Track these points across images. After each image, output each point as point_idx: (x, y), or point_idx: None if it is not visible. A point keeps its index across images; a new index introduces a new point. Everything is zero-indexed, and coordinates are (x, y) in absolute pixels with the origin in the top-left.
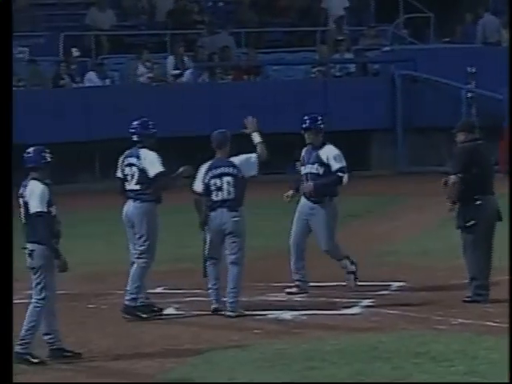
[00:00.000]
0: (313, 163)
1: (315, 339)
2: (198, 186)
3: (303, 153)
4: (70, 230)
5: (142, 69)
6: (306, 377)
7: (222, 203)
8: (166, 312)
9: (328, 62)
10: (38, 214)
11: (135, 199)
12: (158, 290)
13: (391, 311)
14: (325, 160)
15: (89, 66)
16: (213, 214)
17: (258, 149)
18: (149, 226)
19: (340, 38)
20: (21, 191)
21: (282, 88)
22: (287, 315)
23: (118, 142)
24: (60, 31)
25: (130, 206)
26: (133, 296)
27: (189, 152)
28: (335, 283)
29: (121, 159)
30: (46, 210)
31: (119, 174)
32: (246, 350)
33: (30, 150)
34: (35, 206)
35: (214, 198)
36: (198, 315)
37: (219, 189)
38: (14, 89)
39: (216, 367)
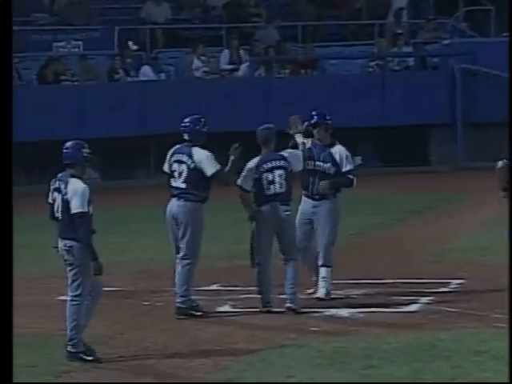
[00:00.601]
0: (325, 161)
1: (373, 337)
2: (246, 183)
3: (308, 145)
4: (125, 227)
5: (197, 63)
6: (364, 376)
7: (275, 197)
8: (221, 309)
9: (386, 56)
10: (80, 215)
11: (180, 198)
12: (213, 287)
13: (450, 309)
14: (338, 160)
15: (144, 59)
16: (265, 207)
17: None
18: (194, 226)
19: (399, 31)
20: (57, 185)
21: (339, 82)
22: (344, 312)
23: (173, 137)
24: (115, 25)
25: (174, 205)
26: (184, 298)
27: (244, 147)
28: (393, 280)
29: (169, 154)
30: (87, 210)
31: (166, 169)
32: (302, 348)
33: (68, 144)
34: (77, 207)
35: (266, 192)
36: (253, 313)
37: (271, 182)
38: (67, 83)
39: (272, 366)
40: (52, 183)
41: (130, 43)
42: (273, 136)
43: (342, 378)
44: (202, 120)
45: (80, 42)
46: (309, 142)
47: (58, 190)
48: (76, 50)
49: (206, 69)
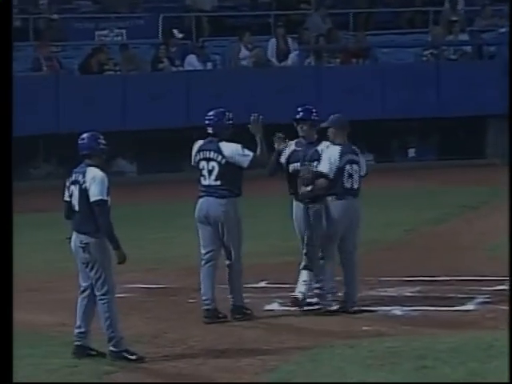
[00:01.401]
0: (312, 161)
1: (427, 337)
2: (332, 173)
3: (293, 147)
4: (171, 222)
5: (244, 52)
6: (417, 376)
7: (351, 191)
8: (269, 307)
9: (441, 44)
10: (99, 203)
11: (213, 195)
12: (262, 284)
13: (508, 307)
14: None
15: (189, 48)
16: (341, 202)
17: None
18: (233, 224)
19: (454, 18)
20: (74, 178)
21: (392, 72)
22: (398, 311)
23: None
24: (159, 12)
25: (206, 203)
26: (238, 303)
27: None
28: (448, 278)
29: (194, 150)
30: (106, 198)
31: (194, 164)
32: (353, 348)
33: (84, 136)
34: (97, 194)
35: (345, 184)
36: (302, 311)
37: (351, 176)
38: (110, 73)
39: (322, 366)
40: (68, 179)
41: (175, 31)
42: (347, 124)
43: (393, 379)
44: (227, 113)
45: (123, 31)
46: (292, 144)
47: (76, 181)
48: (119, 38)
49: (253, 58)
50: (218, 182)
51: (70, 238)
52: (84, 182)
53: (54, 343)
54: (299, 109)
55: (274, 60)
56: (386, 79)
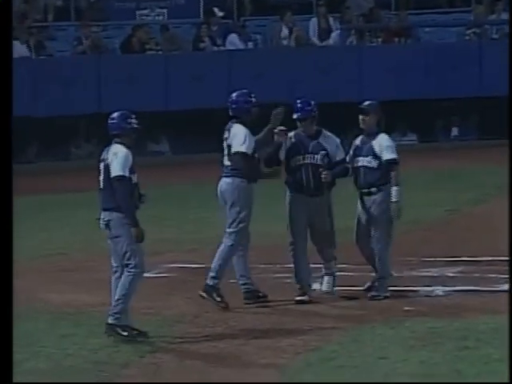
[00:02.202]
0: (315, 153)
1: (469, 317)
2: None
3: (293, 140)
4: (208, 202)
5: (285, 31)
6: (458, 357)
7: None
8: (312, 287)
9: (483, 24)
10: (119, 178)
11: (227, 175)
12: None
13: None
14: (328, 149)
15: (230, 28)
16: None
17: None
18: (239, 202)
19: None
20: (102, 156)
21: (434, 51)
22: (439, 291)
23: (261, 108)
24: None
25: (222, 183)
26: (212, 274)
27: (335, 119)
28: (490, 258)
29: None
30: (127, 174)
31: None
32: (395, 329)
33: (115, 115)
34: (117, 170)
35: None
36: (343, 291)
37: None
38: (151, 52)
39: (364, 346)
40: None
41: (216, 10)
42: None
43: (435, 359)
44: (251, 96)
45: (164, 10)
46: (292, 137)
47: (102, 159)
48: (160, 18)
49: (294, 37)
50: (229, 163)
51: (99, 219)
52: (107, 158)
53: (96, 323)
54: (298, 104)
55: (315, 39)
56: (428, 58)
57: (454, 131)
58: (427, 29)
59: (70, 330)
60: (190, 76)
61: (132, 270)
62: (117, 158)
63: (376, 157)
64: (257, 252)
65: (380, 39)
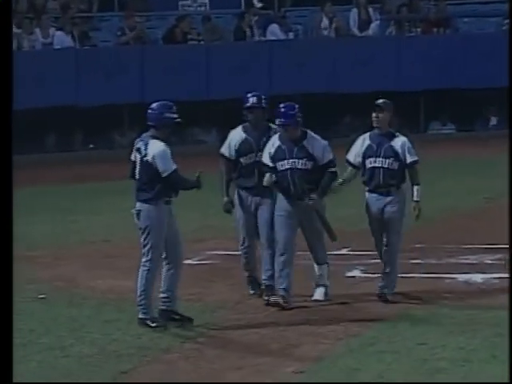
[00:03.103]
0: (299, 158)
1: (507, 304)
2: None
3: (277, 143)
4: None
5: (326, 22)
6: (495, 343)
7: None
8: (350, 274)
9: None
10: (172, 174)
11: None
12: (343, 251)
13: None
14: (311, 151)
15: (271, 18)
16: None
17: None
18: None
19: None
20: (138, 145)
21: (473, 42)
22: (478, 278)
23: (300, 98)
24: None
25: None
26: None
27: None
28: None
29: None
30: (175, 166)
31: None
32: (435, 315)
33: (155, 105)
34: (167, 169)
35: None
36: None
37: None
38: (193, 43)
39: (404, 332)
40: (135, 143)
41: (255, 1)
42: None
43: (473, 345)
44: (263, 97)
45: (206, 1)
46: (276, 139)
47: (139, 149)
48: (202, 8)
49: (334, 28)
50: None
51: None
52: (146, 154)
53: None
54: (282, 109)
55: (355, 30)
56: (466, 49)
57: (493, 120)
58: (466, 19)
59: (113, 316)
60: (232, 66)
61: (147, 265)
62: (160, 157)
63: (398, 158)
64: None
65: (419, 29)
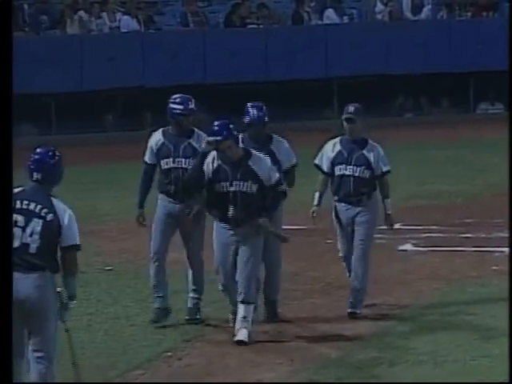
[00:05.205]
0: (244, 180)
1: None
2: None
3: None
4: (304, 166)
5: (380, 6)
6: None
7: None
8: (402, 248)
9: None
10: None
11: None
12: (396, 226)
13: None
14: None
15: (327, 2)
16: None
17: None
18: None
19: None
20: None
21: None
22: None
23: (354, 79)
24: None
25: None
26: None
27: (427, 89)
28: None
29: None
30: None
31: None
32: (485, 287)
33: (177, 96)
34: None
35: None
36: (434, 251)
37: None
38: (252, 26)
39: (453, 304)
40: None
41: None
42: None
43: None
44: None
45: None
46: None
47: None
48: None
49: (388, 11)
50: None
51: None
52: None
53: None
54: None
55: (408, 14)
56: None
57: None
58: None
59: (178, 287)
60: (289, 48)
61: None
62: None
63: (369, 167)
64: None
65: (469, 13)
